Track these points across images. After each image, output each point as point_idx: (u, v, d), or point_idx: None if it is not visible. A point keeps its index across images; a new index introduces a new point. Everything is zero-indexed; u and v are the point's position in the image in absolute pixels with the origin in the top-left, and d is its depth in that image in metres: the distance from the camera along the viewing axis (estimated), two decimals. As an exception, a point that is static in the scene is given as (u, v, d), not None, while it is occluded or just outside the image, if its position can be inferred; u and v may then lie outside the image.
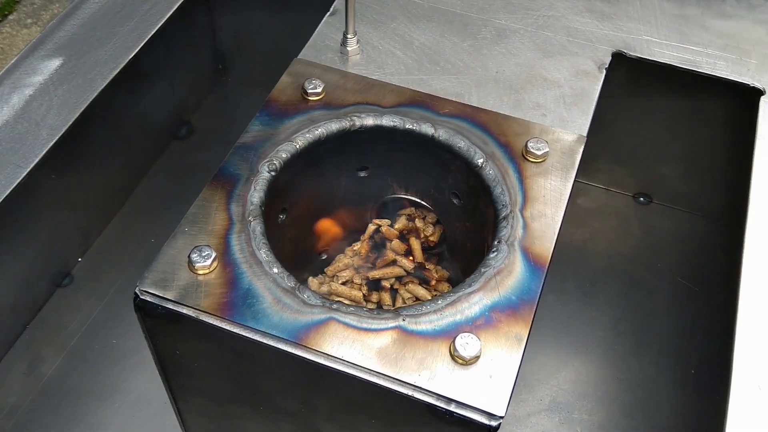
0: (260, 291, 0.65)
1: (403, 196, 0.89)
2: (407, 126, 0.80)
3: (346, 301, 0.80)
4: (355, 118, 0.80)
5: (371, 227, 0.88)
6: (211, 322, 0.64)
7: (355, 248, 0.87)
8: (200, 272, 0.66)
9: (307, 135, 0.78)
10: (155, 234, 1.13)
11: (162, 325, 0.68)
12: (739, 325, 0.73)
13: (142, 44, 1.01)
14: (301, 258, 0.88)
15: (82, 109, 0.93)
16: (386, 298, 0.84)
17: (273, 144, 0.77)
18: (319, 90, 0.82)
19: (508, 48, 0.94)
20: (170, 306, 0.65)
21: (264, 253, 0.68)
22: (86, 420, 0.97)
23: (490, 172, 0.76)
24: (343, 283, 0.84)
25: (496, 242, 0.70)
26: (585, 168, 1.19)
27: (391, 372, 0.61)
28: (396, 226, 0.88)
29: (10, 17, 2.22)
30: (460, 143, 0.78)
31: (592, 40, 0.96)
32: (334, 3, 0.98)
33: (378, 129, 0.80)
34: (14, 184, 0.86)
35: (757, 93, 0.93)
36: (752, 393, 0.69)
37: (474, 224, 0.82)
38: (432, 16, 0.98)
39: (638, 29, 0.99)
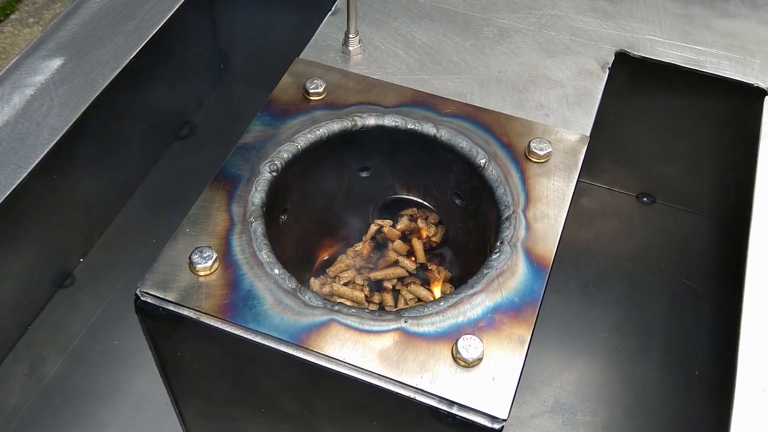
0: (261, 292, 0.65)
1: (405, 197, 0.89)
2: (409, 126, 0.79)
3: (348, 302, 0.80)
4: (356, 118, 0.79)
5: (373, 228, 0.88)
6: (212, 323, 0.64)
7: (357, 249, 0.87)
8: (201, 273, 0.66)
9: (309, 135, 0.78)
10: (157, 234, 1.13)
11: (163, 327, 0.67)
12: (744, 326, 0.73)
13: (143, 44, 1.01)
14: (303, 258, 0.87)
15: (83, 109, 0.93)
16: (388, 299, 0.84)
17: (274, 144, 0.76)
18: (320, 90, 0.81)
19: (511, 47, 0.93)
20: (171, 308, 0.65)
21: (265, 254, 0.68)
22: (87, 421, 0.97)
23: (492, 172, 0.76)
24: (345, 284, 0.84)
25: (498, 243, 0.70)
26: (588, 168, 1.19)
27: (393, 374, 0.61)
28: (398, 227, 0.87)
29: (12, 16, 2.22)
30: (463, 143, 0.78)
31: (596, 40, 0.95)
32: (336, 2, 0.98)
33: (380, 129, 0.80)
34: (15, 185, 0.85)
35: (761, 93, 0.92)
36: (757, 395, 0.68)
37: (476, 225, 0.82)
38: (434, 15, 0.97)
39: (642, 28, 0.98)
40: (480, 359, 0.61)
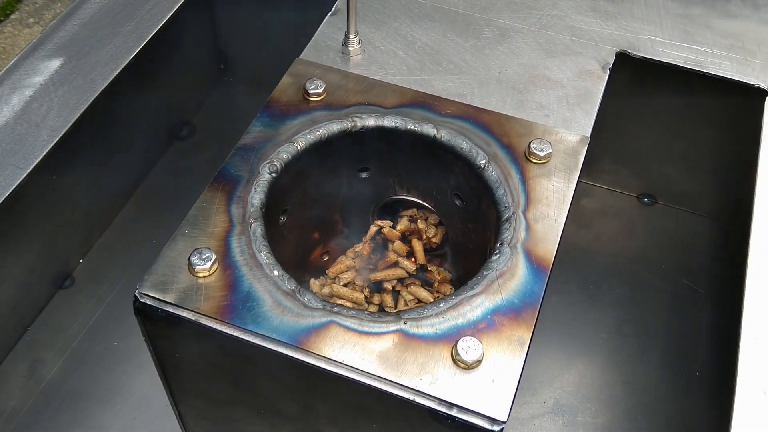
0: (260, 294, 0.65)
1: (405, 198, 0.88)
2: (409, 127, 0.79)
3: (348, 303, 0.80)
4: (356, 118, 0.79)
5: (373, 228, 0.87)
6: (211, 325, 0.64)
7: (356, 250, 0.87)
8: (200, 275, 0.66)
9: (309, 136, 0.77)
10: (157, 235, 1.13)
11: (162, 329, 0.67)
12: (744, 327, 0.73)
13: (143, 44, 1.01)
14: (303, 259, 0.87)
15: (83, 110, 0.92)
16: (388, 300, 0.84)
17: (274, 145, 0.76)
18: (320, 90, 0.81)
19: (511, 48, 0.93)
20: (170, 309, 0.65)
21: (264, 256, 0.67)
22: (87, 423, 0.97)
23: (492, 173, 0.75)
24: (345, 285, 0.83)
25: (498, 244, 0.70)
26: (589, 168, 1.19)
27: (393, 376, 0.60)
28: (398, 228, 0.87)
29: (12, 16, 2.22)
30: (463, 144, 0.78)
31: (596, 40, 0.95)
32: (336, 3, 0.97)
33: (380, 130, 0.80)
34: (14, 186, 0.85)
35: (762, 93, 0.92)
36: (757, 397, 0.68)
37: (476, 226, 0.82)
38: (434, 15, 0.97)
39: (642, 29, 0.98)
40: (480, 361, 0.61)
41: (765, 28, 0.99)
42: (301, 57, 0.89)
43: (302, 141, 0.77)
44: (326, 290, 0.82)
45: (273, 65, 0.91)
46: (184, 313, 0.64)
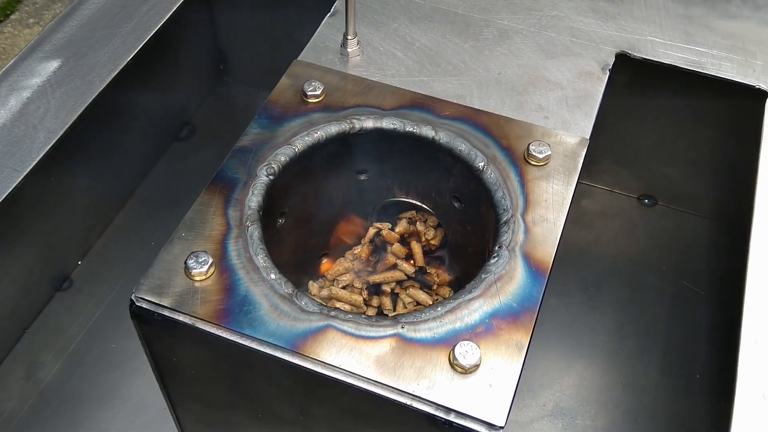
0: (257, 298, 0.65)
1: (404, 200, 0.88)
2: (407, 129, 0.79)
3: (346, 306, 0.80)
4: (354, 120, 0.79)
5: (372, 231, 0.87)
6: (208, 329, 0.63)
7: (355, 252, 0.87)
8: (197, 279, 0.66)
9: (306, 138, 0.77)
10: (155, 237, 1.13)
11: (158, 332, 0.67)
12: (744, 329, 0.72)
13: (141, 45, 1.00)
14: (301, 262, 0.87)
15: (80, 112, 0.92)
16: (387, 302, 0.83)
17: (271, 147, 0.76)
18: (318, 92, 0.81)
19: (511, 49, 0.93)
20: (166, 313, 0.64)
21: (261, 259, 0.67)
22: (85, 425, 0.96)
23: (491, 175, 0.75)
24: (344, 287, 0.83)
25: (497, 247, 0.69)
26: (589, 170, 1.18)
27: (390, 381, 0.60)
28: (397, 230, 0.87)
29: (12, 17, 2.22)
30: (461, 146, 0.77)
31: (596, 41, 0.95)
32: (335, 4, 0.97)
33: (378, 132, 0.79)
34: (10, 188, 0.85)
35: (763, 94, 0.91)
36: (757, 401, 0.67)
37: (475, 228, 0.81)
38: (433, 16, 0.97)
39: (642, 30, 0.98)
40: (477, 365, 0.61)
41: (765, 29, 0.99)
42: (299, 58, 0.88)
43: (300, 143, 0.77)
44: (325, 293, 0.82)
45: (273, 65, 0.91)
46: (181, 317, 0.64)
